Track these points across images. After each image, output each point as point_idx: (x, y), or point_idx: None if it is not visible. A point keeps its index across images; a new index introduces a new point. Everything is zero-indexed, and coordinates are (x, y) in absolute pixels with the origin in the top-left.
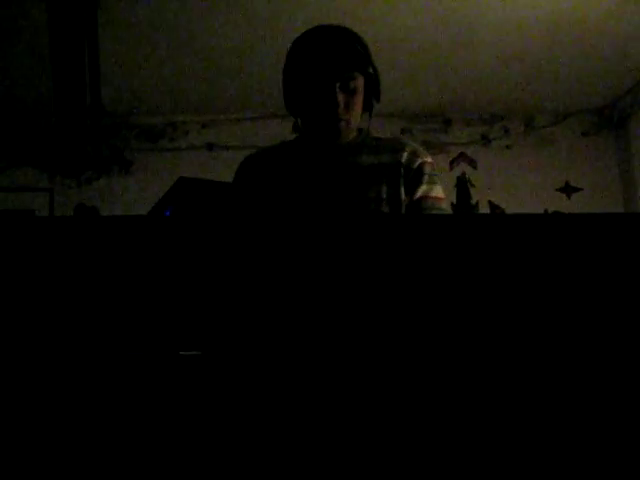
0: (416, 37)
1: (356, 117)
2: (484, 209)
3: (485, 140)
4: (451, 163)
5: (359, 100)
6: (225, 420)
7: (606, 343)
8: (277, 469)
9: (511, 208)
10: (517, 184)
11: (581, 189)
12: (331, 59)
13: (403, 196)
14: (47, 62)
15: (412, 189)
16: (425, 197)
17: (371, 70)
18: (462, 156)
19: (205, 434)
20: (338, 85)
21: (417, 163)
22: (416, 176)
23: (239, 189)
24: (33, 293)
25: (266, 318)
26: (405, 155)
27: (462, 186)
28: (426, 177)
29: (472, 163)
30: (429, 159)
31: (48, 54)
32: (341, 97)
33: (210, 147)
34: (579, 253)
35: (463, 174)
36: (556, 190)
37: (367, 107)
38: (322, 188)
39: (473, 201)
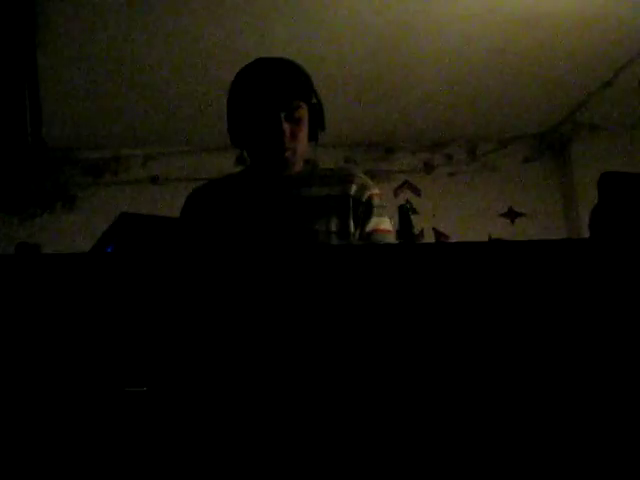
0: (356, 65)
1: (302, 147)
2: (429, 236)
3: (428, 167)
4: (395, 191)
5: (304, 129)
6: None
7: (546, 366)
8: None
9: (456, 234)
10: (461, 210)
11: (524, 214)
12: (275, 89)
13: (352, 229)
14: None
15: (361, 222)
16: (374, 230)
17: (314, 100)
18: (406, 184)
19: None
20: (283, 115)
21: (366, 195)
22: (365, 209)
23: (186, 222)
24: None
25: (210, 354)
26: (354, 187)
27: (404, 215)
28: (375, 210)
29: (416, 191)
30: (377, 191)
31: None
32: (287, 126)
33: (154, 180)
34: (523, 280)
35: (406, 202)
36: (500, 215)
37: (312, 137)
38: (270, 220)
39: (417, 229)
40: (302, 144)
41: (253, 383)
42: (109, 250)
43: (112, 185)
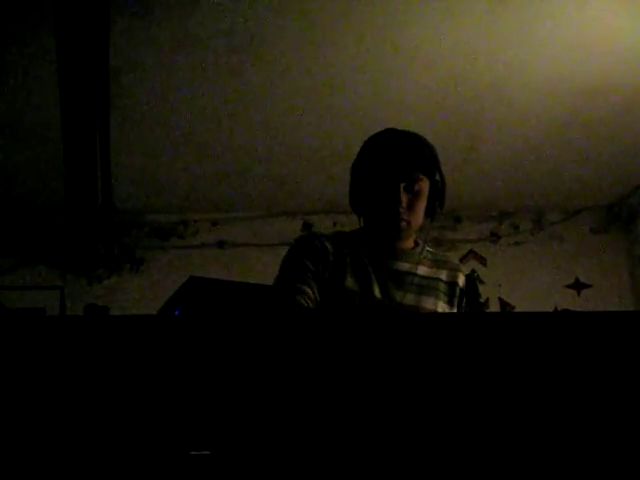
0: (426, 135)
1: (417, 220)
2: (494, 306)
3: (494, 237)
4: (461, 260)
5: (422, 203)
6: None
7: (620, 438)
8: None
9: (521, 305)
10: (527, 281)
11: (591, 285)
12: (399, 159)
13: None
14: (59, 161)
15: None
16: None
17: (437, 177)
18: (472, 253)
19: None
20: (403, 185)
21: (474, 288)
22: (474, 302)
23: (293, 268)
24: (43, 391)
25: (278, 423)
26: (461, 277)
27: (471, 283)
28: (481, 302)
29: (481, 260)
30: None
31: (61, 153)
32: (404, 197)
33: (221, 244)
34: (589, 351)
35: (472, 272)
36: (566, 286)
37: (430, 212)
38: (379, 290)
39: (482, 299)
40: (418, 217)
41: (333, 455)
42: (177, 313)
43: (179, 249)
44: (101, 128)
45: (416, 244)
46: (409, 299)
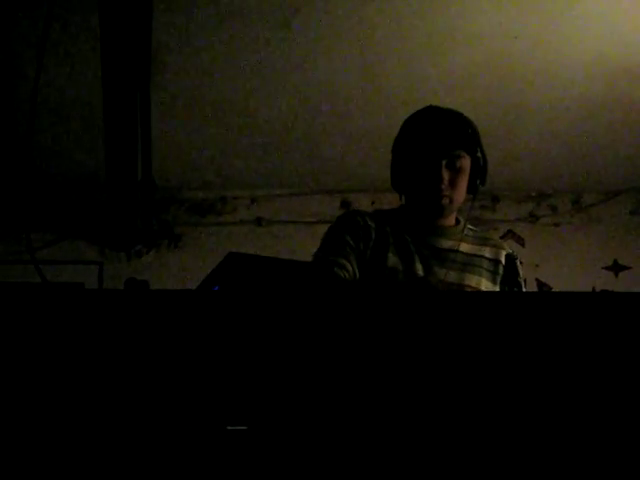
0: (465, 114)
1: (459, 196)
2: (531, 287)
3: (533, 218)
4: None
5: (464, 180)
6: None
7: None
8: None
9: (558, 286)
10: (564, 262)
11: (629, 267)
12: (440, 136)
13: None
14: (100, 136)
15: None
16: None
17: (479, 154)
18: (510, 233)
19: None
20: (444, 162)
21: (514, 267)
22: (514, 282)
23: (341, 242)
24: (83, 365)
25: (319, 396)
26: (504, 255)
27: (511, 263)
28: (521, 282)
29: (520, 240)
30: (519, 261)
31: (102, 129)
32: (446, 174)
33: (259, 222)
34: (627, 332)
35: (511, 253)
36: (603, 268)
37: (472, 189)
38: (421, 268)
39: (522, 282)
40: (459, 194)
41: (367, 429)
42: (216, 288)
43: (217, 225)
44: (142, 104)
45: (457, 222)
46: (452, 277)
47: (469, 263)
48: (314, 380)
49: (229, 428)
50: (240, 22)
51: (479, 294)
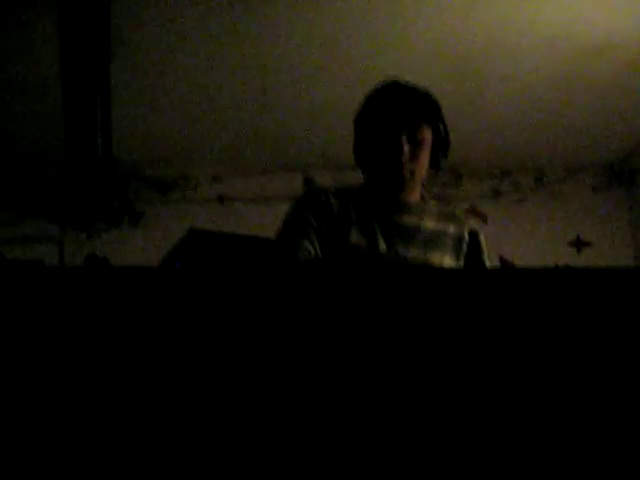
0: (427, 89)
1: (421, 169)
2: (495, 264)
3: (496, 194)
4: None
5: (425, 152)
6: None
7: (607, 403)
8: None
9: (522, 263)
10: (528, 238)
11: (591, 244)
12: (400, 108)
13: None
14: (58, 112)
15: (471, 262)
16: None
17: (441, 126)
18: (472, 210)
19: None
20: (405, 134)
21: (477, 243)
22: (477, 258)
23: (299, 222)
24: (43, 344)
25: (278, 379)
26: (467, 231)
27: (474, 240)
28: (484, 254)
29: (483, 217)
30: (483, 235)
31: (60, 104)
32: (406, 146)
33: (221, 199)
34: (590, 308)
35: (475, 229)
36: (567, 244)
37: (434, 163)
38: (383, 245)
39: (485, 258)
40: (421, 167)
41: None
42: (178, 265)
43: (179, 203)
44: (101, 79)
45: (421, 197)
46: (415, 254)
47: (433, 240)
48: (276, 359)
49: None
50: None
51: (442, 270)
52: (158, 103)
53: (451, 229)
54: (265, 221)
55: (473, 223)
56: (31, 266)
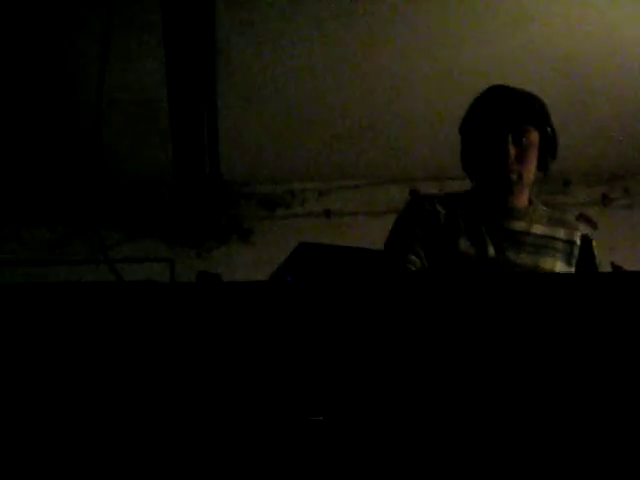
0: (537, 94)
1: (528, 172)
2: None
3: (605, 200)
4: None
5: (532, 155)
6: None
7: None
8: None
9: (633, 269)
10: (639, 244)
11: None
12: (505, 111)
13: None
14: (167, 133)
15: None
16: None
17: (548, 128)
18: (582, 217)
19: None
20: (510, 137)
21: (590, 249)
22: (590, 264)
23: (408, 233)
24: (159, 360)
25: (390, 387)
26: (578, 236)
27: (586, 245)
28: (598, 262)
29: (592, 224)
30: (594, 242)
31: (168, 125)
32: (512, 149)
33: (328, 214)
34: None
35: (587, 235)
36: None
37: (542, 166)
38: (494, 252)
39: (598, 264)
40: (528, 170)
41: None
42: (289, 279)
43: (286, 219)
44: (208, 99)
45: (530, 202)
46: (526, 259)
47: (543, 245)
48: (387, 369)
49: (311, 419)
50: (302, 14)
51: (556, 276)
52: (264, 120)
53: (562, 234)
54: (372, 234)
55: (584, 229)
56: (146, 286)
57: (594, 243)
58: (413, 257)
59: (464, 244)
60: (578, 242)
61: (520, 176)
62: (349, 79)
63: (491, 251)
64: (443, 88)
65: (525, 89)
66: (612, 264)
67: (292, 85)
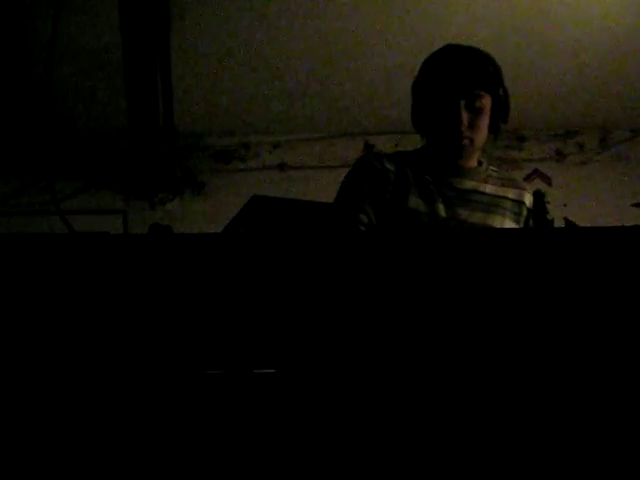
0: (489, 49)
1: (480, 137)
2: (559, 226)
3: (559, 156)
4: (525, 179)
5: (484, 120)
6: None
7: None
8: None
9: (587, 225)
10: (593, 200)
11: None
12: (458, 76)
13: None
14: (120, 84)
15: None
16: None
17: (501, 92)
18: (536, 172)
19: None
20: (463, 103)
21: (542, 204)
22: (542, 219)
23: (353, 188)
24: (112, 313)
25: (334, 342)
26: (528, 196)
27: (539, 199)
28: (550, 219)
29: (546, 179)
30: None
31: (122, 78)
32: (465, 115)
33: (282, 167)
34: None
35: (540, 190)
36: (632, 206)
37: (493, 129)
38: (442, 210)
39: (550, 219)
40: (480, 134)
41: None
42: (241, 232)
43: (241, 172)
44: (162, 51)
45: (480, 163)
46: (476, 218)
47: (492, 204)
48: (333, 325)
49: (255, 371)
50: None
51: (506, 231)
52: (218, 72)
53: (510, 194)
54: (326, 188)
55: (537, 186)
56: (97, 238)
57: (546, 198)
58: (362, 216)
59: (414, 201)
60: (527, 203)
61: (472, 141)
62: (304, 32)
63: (441, 209)
64: (398, 43)
65: (478, 47)
66: (565, 220)
67: (247, 38)
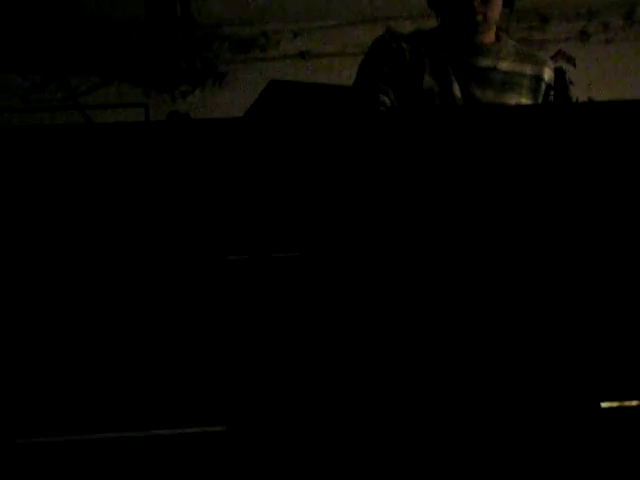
0: None
1: (494, 12)
2: None
3: (584, 36)
4: None
5: None
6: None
7: None
8: None
9: None
10: (617, 79)
11: None
12: None
13: None
14: None
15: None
16: None
17: None
18: (560, 53)
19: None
20: None
21: (563, 82)
22: (563, 96)
23: (370, 71)
24: (133, 198)
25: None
26: (548, 72)
27: (560, 78)
28: (572, 93)
29: (570, 60)
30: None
31: None
32: None
33: (303, 55)
34: None
35: (561, 67)
36: None
37: (507, 3)
38: (458, 88)
39: (573, 98)
40: (494, 9)
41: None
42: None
43: (261, 61)
44: None
45: (498, 38)
46: (490, 96)
47: (508, 81)
48: (356, 204)
49: (275, 255)
50: None
51: (522, 108)
52: None
53: (528, 69)
54: (348, 75)
55: (559, 64)
56: (117, 128)
57: (568, 76)
58: (383, 96)
59: (428, 81)
60: (546, 78)
61: (485, 16)
62: None
63: (456, 88)
64: None
65: None
66: (589, 100)
67: None
